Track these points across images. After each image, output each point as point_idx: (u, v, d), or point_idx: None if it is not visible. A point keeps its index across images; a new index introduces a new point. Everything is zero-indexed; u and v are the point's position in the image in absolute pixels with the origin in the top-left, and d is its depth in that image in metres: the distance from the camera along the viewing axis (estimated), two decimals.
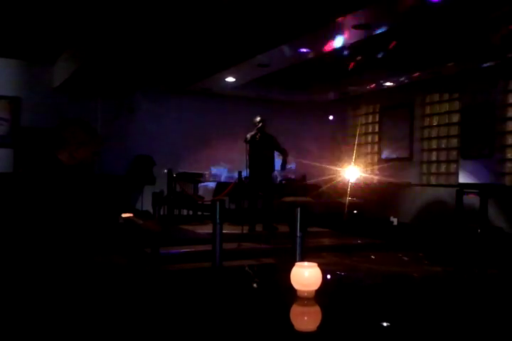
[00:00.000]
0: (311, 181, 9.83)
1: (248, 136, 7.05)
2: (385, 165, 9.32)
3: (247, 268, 3.33)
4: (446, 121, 8.32)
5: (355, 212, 7.97)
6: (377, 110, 9.69)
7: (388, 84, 8.52)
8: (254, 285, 2.46)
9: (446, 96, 8.35)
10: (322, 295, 1.87)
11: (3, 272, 2.18)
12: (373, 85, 8.69)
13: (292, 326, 1.75)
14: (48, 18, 6.15)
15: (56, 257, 2.21)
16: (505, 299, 2.19)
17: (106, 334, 1.61)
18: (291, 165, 10.18)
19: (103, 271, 2.34)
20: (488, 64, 7.05)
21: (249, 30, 5.71)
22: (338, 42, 5.91)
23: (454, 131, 8.14)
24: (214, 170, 9.55)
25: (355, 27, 5.30)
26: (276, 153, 7.33)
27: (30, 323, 1.75)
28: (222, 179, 9.42)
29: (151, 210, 6.07)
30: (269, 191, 6.97)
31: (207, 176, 9.10)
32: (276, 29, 5.61)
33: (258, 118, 7.06)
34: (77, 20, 6.18)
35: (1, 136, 7.94)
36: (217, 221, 4.04)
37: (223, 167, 9.65)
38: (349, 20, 5.13)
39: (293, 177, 9.89)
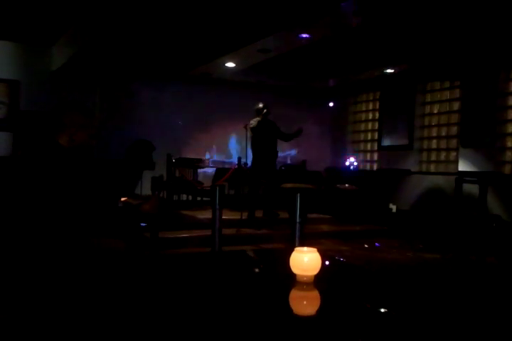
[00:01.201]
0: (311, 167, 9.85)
1: (255, 122, 6.99)
2: (385, 152, 9.31)
3: (246, 253, 3.34)
4: (447, 108, 8.29)
5: (354, 198, 7.99)
6: (378, 97, 9.64)
7: (389, 71, 8.46)
8: (254, 269, 2.47)
9: (447, 84, 8.31)
10: (321, 280, 1.88)
11: (2, 255, 2.18)
12: (374, 72, 8.64)
13: (291, 310, 1.75)
14: (47, 1, 6.07)
15: (55, 241, 2.21)
16: (502, 285, 2.20)
17: (102, 317, 1.62)
18: (291, 151, 10.17)
19: (102, 255, 2.34)
20: (490, 52, 7.00)
21: (250, 15, 5.65)
22: (339, 27, 5.85)
23: (455, 118, 8.12)
24: (213, 156, 9.54)
25: (355, 13, 5.26)
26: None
27: (26, 308, 1.76)
28: (222, 165, 9.41)
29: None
30: (271, 178, 6.95)
31: (206, 162, 9.08)
32: (277, 14, 5.54)
33: (261, 105, 6.98)
34: (76, 3, 6.10)
35: None
36: (217, 206, 4.05)
37: (223, 152, 9.64)
38: (349, 5, 5.08)
39: (291, 163, 9.89)
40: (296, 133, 7.11)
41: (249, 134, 7.00)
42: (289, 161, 9.93)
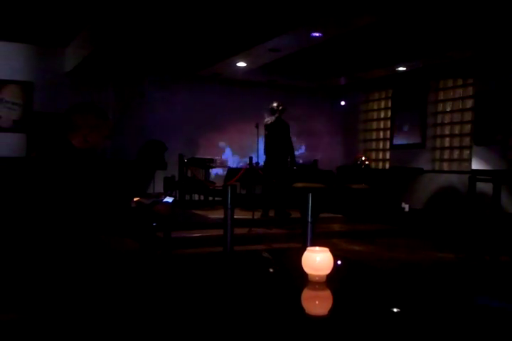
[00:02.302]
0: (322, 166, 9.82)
1: (266, 120, 7.00)
2: (397, 151, 9.25)
3: (258, 252, 3.35)
4: (460, 106, 8.22)
5: (366, 198, 7.95)
6: (390, 95, 9.59)
7: (401, 69, 8.41)
8: (266, 269, 2.47)
9: (460, 82, 8.24)
10: (333, 280, 1.88)
11: (15, 257, 2.21)
12: (386, 70, 8.59)
13: (303, 310, 1.76)
14: (61, 3, 6.13)
15: (69, 241, 2.23)
16: None
17: (115, 316, 1.63)
18: (301, 151, 10.16)
19: (115, 254, 2.36)
20: (503, 49, 6.92)
21: (261, 14, 5.65)
22: (350, 25, 5.83)
23: (468, 116, 8.05)
24: (225, 156, 9.55)
25: (366, 11, 5.23)
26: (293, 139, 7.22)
27: (39, 308, 1.78)
28: (233, 164, 9.43)
29: None
30: (283, 177, 6.94)
31: (218, 161, 9.10)
32: (287, 13, 5.54)
33: (275, 104, 6.96)
34: (88, 5, 6.15)
35: (13, 120, 8.00)
36: (229, 206, 4.06)
37: (234, 152, 9.66)
38: (361, 3, 5.06)
39: (301, 161, 9.87)
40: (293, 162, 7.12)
41: (261, 133, 7.01)
42: (300, 161, 9.91)
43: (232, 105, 9.19)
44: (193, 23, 6.05)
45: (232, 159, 9.58)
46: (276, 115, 6.91)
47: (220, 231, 4.22)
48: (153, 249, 3.44)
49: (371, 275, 2.30)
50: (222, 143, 9.52)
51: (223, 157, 9.49)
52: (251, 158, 7.89)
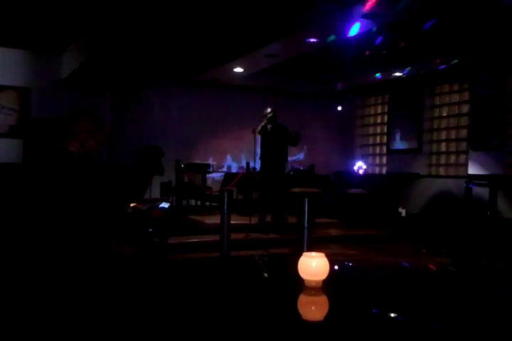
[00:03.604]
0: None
1: (259, 127, 6.99)
2: (394, 156, 9.28)
3: (254, 258, 3.34)
4: (456, 111, 8.26)
5: (363, 203, 7.96)
6: (387, 100, 9.62)
7: (398, 74, 8.45)
8: (262, 274, 2.47)
9: (456, 87, 8.28)
10: (329, 285, 1.88)
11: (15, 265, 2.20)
12: (382, 75, 8.62)
13: (299, 315, 1.76)
14: (57, 9, 6.14)
15: (66, 247, 2.23)
16: None
17: (113, 322, 1.63)
18: (299, 156, 10.17)
19: (112, 260, 2.35)
20: (499, 54, 6.96)
21: (257, 20, 5.68)
22: (347, 32, 5.86)
23: (464, 121, 8.08)
24: (222, 161, 9.55)
25: (364, 16, 5.26)
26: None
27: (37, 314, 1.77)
28: (230, 170, 9.42)
29: None
30: (280, 183, 6.94)
31: (215, 167, 9.11)
32: (284, 19, 5.57)
33: (269, 110, 6.99)
34: (85, 11, 6.16)
35: (10, 126, 7.98)
36: (225, 211, 4.06)
37: (231, 157, 9.66)
38: (358, 9, 5.09)
39: (301, 168, 9.88)
40: (298, 137, 7.11)
41: (256, 138, 7.01)
42: (297, 166, 9.91)
43: (230, 110, 9.21)
44: (190, 28, 6.07)
45: (229, 164, 9.58)
46: (270, 122, 6.91)
47: (217, 237, 4.21)
48: (150, 255, 3.44)
49: (367, 281, 2.30)
50: (219, 149, 9.52)
51: (220, 162, 9.49)
52: (248, 164, 7.89)
